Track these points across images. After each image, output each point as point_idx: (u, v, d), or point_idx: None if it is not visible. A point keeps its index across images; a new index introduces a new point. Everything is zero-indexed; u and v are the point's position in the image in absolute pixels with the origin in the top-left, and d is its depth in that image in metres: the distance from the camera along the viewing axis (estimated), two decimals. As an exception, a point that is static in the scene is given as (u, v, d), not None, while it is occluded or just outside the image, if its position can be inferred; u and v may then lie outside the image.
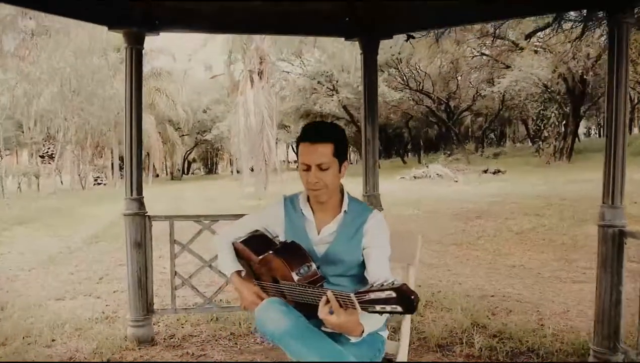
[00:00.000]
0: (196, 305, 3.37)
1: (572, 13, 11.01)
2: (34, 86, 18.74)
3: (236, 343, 3.22)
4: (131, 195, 3.12)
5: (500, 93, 22.33)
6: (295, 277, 1.61)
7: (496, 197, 12.58)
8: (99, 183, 26.82)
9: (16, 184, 20.80)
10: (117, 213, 12.81)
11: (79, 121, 21.11)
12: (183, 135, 33.14)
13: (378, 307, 1.25)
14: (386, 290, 1.23)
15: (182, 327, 3.46)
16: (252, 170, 18.27)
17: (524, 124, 34.73)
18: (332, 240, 1.76)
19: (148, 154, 31.04)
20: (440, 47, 11.78)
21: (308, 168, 1.70)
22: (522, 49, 19.54)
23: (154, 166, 29.96)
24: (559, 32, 11.53)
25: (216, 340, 3.25)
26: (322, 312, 1.42)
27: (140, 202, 3.14)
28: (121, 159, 28.74)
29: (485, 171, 20.15)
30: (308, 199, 1.83)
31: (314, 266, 1.65)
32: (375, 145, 3.41)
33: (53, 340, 3.22)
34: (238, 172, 32.92)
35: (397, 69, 24.34)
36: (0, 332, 3.34)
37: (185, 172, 42.12)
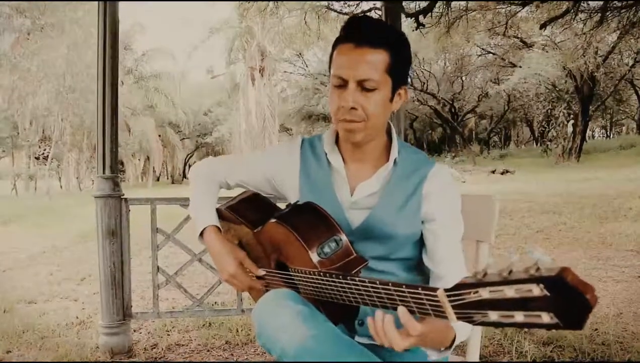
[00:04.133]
0: (184, 308, 2.78)
1: (589, 2, 10.58)
2: (29, 84, 18.25)
3: (232, 354, 2.64)
4: (103, 172, 2.56)
5: (508, 92, 21.82)
6: (316, 259, 1.01)
7: (509, 195, 12.04)
8: (97, 186, 26.20)
9: (10, 186, 20.27)
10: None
11: (75, 120, 20.57)
12: (183, 138, 32.58)
13: (497, 315, 0.64)
14: (522, 281, 0.60)
15: (168, 335, 2.88)
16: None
17: (528, 125, 34.27)
18: (373, 204, 1.15)
19: (148, 158, 30.53)
20: (449, 40, 11.20)
21: (343, 84, 1.07)
22: (530, 46, 19.06)
23: (153, 169, 29.40)
24: (577, 22, 11.03)
25: (208, 350, 2.67)
26: (405, 314, 0.82)
27: (114, 182, 2.57)
28: (121, 162, 28.28)
29: (493, 171, 19.63)
30: (337, 141, 1.22)
31: (344, 240, 1.04)
32: (400, 117, 2.85)
33: (8, 352, 2.64)
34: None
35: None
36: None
37: (186, 176, 41.59)
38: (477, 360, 1.30)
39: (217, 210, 1.30)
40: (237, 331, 2.85)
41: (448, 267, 1.13)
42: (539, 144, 30.99)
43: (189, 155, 38.20)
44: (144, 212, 2.68)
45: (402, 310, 0.82)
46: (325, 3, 9.93)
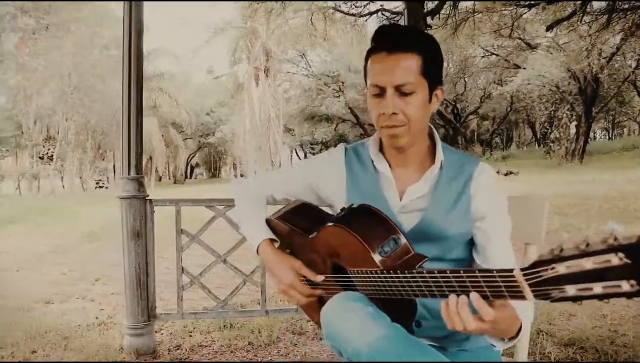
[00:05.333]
0: (207, 310, 2.78)
1: (595, 4, 10.60)
2: (34, 84, 18.27)
3: (256, 355, 2.64)
4: (129, 173, 2.56)
5: (511, 93, 21.83)
6: (377, 259, 1.02)
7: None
8: (101, 187, 26.24)
9: (15, 186, 20.28)
10: (116, 213, 12.42)
11: (80, 120, 20.59)
12: (186, 138, 32.57)
13: (575, 290, 0.66)
14: (600, 252, 0.61)
15: (190, 336, 2.88)
16: (255, 173, 17.75)
17: (530, 127, 34.26)
18: (423, 206, 1.17)
19: (150, 158, 30.51)
20: (455, 42, 11.22)
21: (381, 92, 1.10)
22: (534, 47, 19.06)
23: (156, 169, 29.40)
24: (582, 24, 11.04)
25: (232, 352, 2.68)
26: (479, 299, 0.84)
27: (139, 183, 2.57)
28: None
29: (497, 172, 19.61)
30: (381, 147, 1.24)
31: (403, 239, 1.06)
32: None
33: (33, 352, 2.65)
34: (242, 175, 32.43)
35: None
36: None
37: (188, 176, 41.58)
38: (526, 359, 1.30)
39: (267, 221, 1.31)
40: (259, 332, 2.85)
41: (499, 263, 1.15)
42: (541, 145, 31.01)
43: (191, 156, 38.19)
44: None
45: (475, 295, 0.84)
46: (332, 4, 9.93)
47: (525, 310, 1.05)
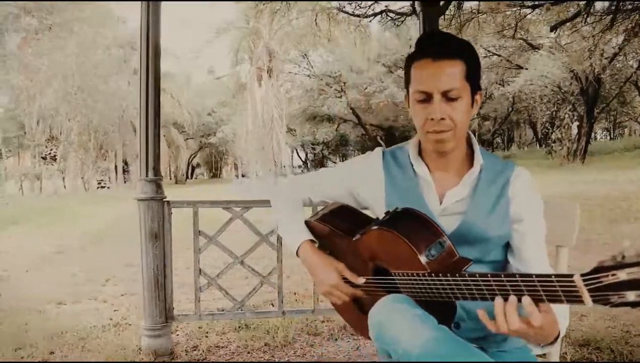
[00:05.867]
0: (225, 311, 2.79)
1: (598, 4, 10.61)
2: (37, 84, 18.28)
3: (273, 356, 2.65)
4: (147, 175, 2.57)
5: (513, 93, 21.85)
6: (425, 262, 1.04)
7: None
8: (103, 187, 26.24)
9: (17, 186, 20.29)
10: (120, 213, 12.41)
11: (82, 120, 20.61)
12: (187, 138, 32.59)
13: (634, 295, 0.69)
14: None
15: (206, 337, 2.90)
16: (256, 174, 17.74)
17: (531, 127, 34.27)
18: (462, 209, 1.19)
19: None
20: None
21: (427, 98, 1.12)
22: (536, 48, 19.08)
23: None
24: (585, 24, 11.05)
25: (249, 353, 2.69)
26: (531, 304, 0.86)
27: (157, 184, 2.59)
28: (125, 162, 28.29)
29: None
30: (419, 151, 1.26)
31: (448, 242, 1.07)
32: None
33: (52, 353, 2.66)
34: (243, 176, 32.43)
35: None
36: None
37: (189, 176, 41.59)
38: (558, 360, 1.32)
39: (306, 222, 1.32)
40: (276, 332, 2.86)
41: (534, 266, 1.17)
42: (542, 146, 31.03)
43: (193, 156, 38.20)
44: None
45: (527, 300, 0.86)
46: (337, 4, 9.95)
47: (564, 316, 1.07)
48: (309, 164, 43.12)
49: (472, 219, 1.17)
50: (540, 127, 31.75)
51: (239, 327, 3.01)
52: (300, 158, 43.87)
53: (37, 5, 16.72)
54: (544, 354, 1.36)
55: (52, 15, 17.08)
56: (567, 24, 11.25)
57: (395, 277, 1.10)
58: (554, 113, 23.94)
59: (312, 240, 1.30)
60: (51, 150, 22.25)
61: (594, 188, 12.54)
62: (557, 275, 0.80)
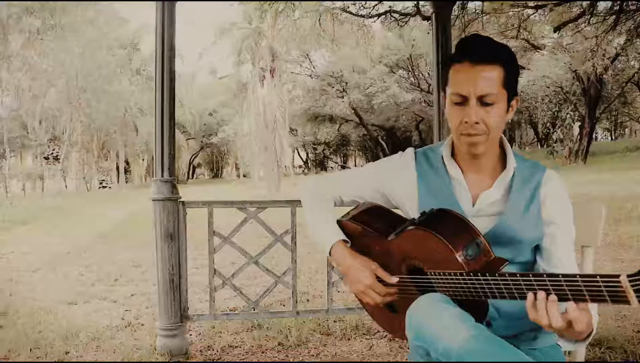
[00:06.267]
0: (240, 311, 2.80)
1: (600, 5, 10.61)
2: (40, 84, 18.30)
3: (287, 356, 2.66)
4: (162, 176, 2.58)
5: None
6: (462, 261, 1.05)
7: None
8: (104, 187, 26.28)
9: (20, 186, 20.32)
10: (124, 213, 12.43)
11: (85, 120, 20.64)
12: (189, 138, 32.63)
13: None
14: None
15: (219, 336, 2.90)
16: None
17: (533, 127, 34.27)
18: (495, 211, 1.21)
19: (153, 159, 30.50)
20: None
21: (463, 101, 1.14)
22: (537, 48, 19.10)
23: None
24: (588, 25, 11.07)
25: (263, 352, 2.70)
26: (575, 308, 0.90)
27: (172, 185, 2.60)
28: (126, 161, 28.31)
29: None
30: (452, 152, 1.27)
31: (484, 242, 1.09)
32: (449, 120, 2.88)
33: (67, 353, 2.67)
34: (245, 176, 32.46)
35: (409, 70, 23.90)
36: (2, 342, 2.80)
37: (190, 177, 41.62)
38: (583, 360, 1.33)
39: (338, 222, 1.34)
40: (289, 332, 2.87)
41: (564, 268, 1.19)
42: (543, 146, 31.05)
43: (194, 156, 38.24)
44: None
45: (572, 305, 0.90)
46: (341, 5, 9.97)
47: (594, 312, 1.09)
48: (309, 164, 43.13)
49: (508, 221, 1.19)
50: (542, 127, 31.75)
51: (252, 327, 3.02)
52: (301, 158, 43.87)
53: (41, 6, 16.74)
54: (567, 352, 1.38)
55: (55, 16, 17.09)
56: (570, 24, 11.27)
57: (430, 277, 1.12)
58: (555, 113, 23.95)
59: (344, 240, 1.31)
60: (53, 150, 22.28)
61: (597, 189, 12.55)
62: (602, 276, 0.82)
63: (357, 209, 1.37)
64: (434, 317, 1.02)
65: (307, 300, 3.76)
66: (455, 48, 1.20)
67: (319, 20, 10.48)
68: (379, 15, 9.56)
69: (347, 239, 1.32)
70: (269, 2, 7.52)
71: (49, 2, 16.94)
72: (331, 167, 44.18)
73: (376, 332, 3.01)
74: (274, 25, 15.10)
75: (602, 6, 10.86)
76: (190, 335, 2.97)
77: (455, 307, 1.04)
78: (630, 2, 9.60)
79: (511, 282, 0.95)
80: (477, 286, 1.01)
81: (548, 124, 28.79)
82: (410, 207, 1.28)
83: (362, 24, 11.49)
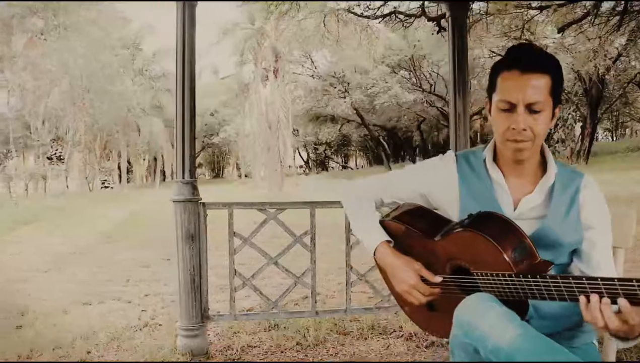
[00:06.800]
0: (260, 311, 2.83)
1: (604, 5, 10.63)
2: (43, 84, 18.32)
3: (306, 355, 2.69)
4: (183, 177, 2.61)
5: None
6: (511, 263, 1.10)
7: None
8: (106, 187, 26.30)
9: (23, 186, 20.34)
10: (129, 213, 12.44)
11: (89, 120, 20.67)
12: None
13: None
14: None
15: (237, 336, 2.93)
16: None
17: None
18: (536, 215, 1.25)
19: (155, 159, 30.57)
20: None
21: (511, 108, 1.18)
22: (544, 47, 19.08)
23: (162, 170, 29.43)
24: (591, 25, 11.10)
25: (282, 352, 2.72)
26: (627, 305, 0.94)
27: (193, 186, 2.62)
28: (128, 161, 28.32)
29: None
30: (494, 157, 1.30)
31: (530, 245, 1.13)
32: (466, 122, 2.91)
33: (88, 352, 2.70)
34: (246, 176, 32.49)
35: (411, 70, 23.92)
36: (24, 342, 2.83)
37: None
38: (614, 360, 1.36)
39: (381, 222, 1.37)
40: (307, 331, 2.90)
41: (602, 271, 1.23)
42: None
43: (195, 156, 38.20)
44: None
45: (624, 301, 0.94)
46: (345, 5, 9.98)
47: None
48: (310, 164, 43.15)
49: (550, 224, 1.23)
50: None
51: (269, 327, 3.04)
52: (302, 158, 43.87)
53: (44, 6, 16.76)
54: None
55: (58, 16, 17.11)
56: (573, 25, 11.29)
57: (477, 277, 1.15)
58: (557, 113, 23.99)
59: (388, 241, 1.35)
60: (56, 150, 22.30)
61: (600, 189, 12.57)
62: (637, 280, 0.88)
63: (399, 210, 1.40)
64: (483, 315, 1.05)
65: (322, 301, 3.79)
66: (505, 56, 1.23)
67: (324, 21, 10.50)
68: (383, 16, 9.57)
69: (390, 239, 1.35)
70: (276, 2, 7.55)
71: (51, 2, 16.95)
72: (332, 167, 44.21)
73: (392, 332, 3.03)
74: (276, 26, 15.14)
75: (605, 7, 10.89)
76: (209, 335, 3.00)
77: (502, 307, 1.07)
78: (634, 3, 9.63)
79: (562, 285, 0.99)
80: (526, 287, 1.05)
81: (549, 124, 28.69)
82: (451, 209, 1.31)
83: (366, 24, 11.50)
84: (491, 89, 1.25)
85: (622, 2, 9.34)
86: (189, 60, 2.63)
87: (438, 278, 1.25)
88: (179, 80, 2.63)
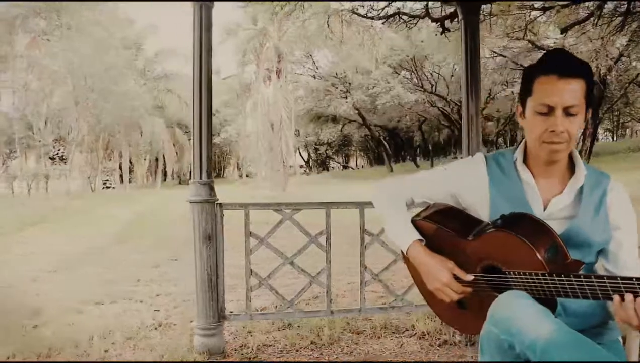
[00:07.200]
0: (276, 310, 2.86)
1: (610, 4, 10.66)
2: (46, 84, 18.36)
3: (321, 354, 2.72)
4: (200, 178, 2.64)
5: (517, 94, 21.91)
6: (545, 262, 1.14)
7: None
8: (108, 187, 26.35)
9: (25, 187, 20.38)
10: (131, 214, 12.46)
11: (91, 121, 20.72)
12: (191, 138, 32.62)
13: None
14: None
15: (251, 335, 2.96)
16: (257, 175, 17.79)
17: (535, 127, 34.32)
18: (566, 215, 1.29)
19: (157, 159, 30.58)
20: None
21: (549, 111, 1.23)
22: (541, 49, 19.14)
23: (164, 170, 29.44)
24: (593, 26, 11.13)
25: (297, 351, 2.75)
26: None
27: (210, 187, 2.66)
28: (130, 162, 28.33)
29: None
30: (523, 158, 1.35)
31: (561, 245, 1.18)
32: (478, 124, 2.94)
33: (106, 351, 2.73)
34: (247, 176, 32.52)
35: (413, 70, 23.96)
36: (41, 341, 2.86)
37: (191, 177, 41.59)
38: (637, 357, 1.39)
39: (412, 222, 1.40)
40: (320, 331, 2.93)
41: (629, 270, 1.28)
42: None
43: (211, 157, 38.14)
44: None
45: None
46: (349, 6, 10.01)
47: None
48: (311, 164, 43.19)
49: (579, 224, 1.27)
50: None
51: (282, 326, 3.07)
52: (303, 158, 43.93)
53: (47, 6, 16.80)
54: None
55: (61, 16, 17.15)
56: (575, 26, 11.31)
57: (508, 276, 1.19)
58: (558, 114, 23.99)
59: (420, 240, 1.38)
60: (59, 150, 22.34)
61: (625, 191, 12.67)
62: None
63: (430, 210, 1.44)
64: (520, 312, 1.09)
65: (333, 301, 3.81)
66: (541, 61, 1.28)
67: (327, 21, 10.53)
68: (387, 17, 9.58)
69: (422, 238, 1.39)
70: (282, 3, 7.58)
71: (54, 3, 17.00)
72: (332, 168, 44.24)
73: (405, 331, 3.07)
74: (279, 27, 15.19)
75: (607, 7, 10.92)
76: (223, 334, 3.03)
77: (537, 304, 1.12)
78: (637, 3, 9.66)
79: (596, 284, 1.03)
80: (559, 286, 1.09)
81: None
82: (481, 209, 1.35)
83: (369, 25, 11.54)
84: (526, 93, 1.29)
85: (625, 3, 9.37)
86: (206, 62, 2.66)
87: (470, 277, 1.29)
88: (195, 82, 2.66)
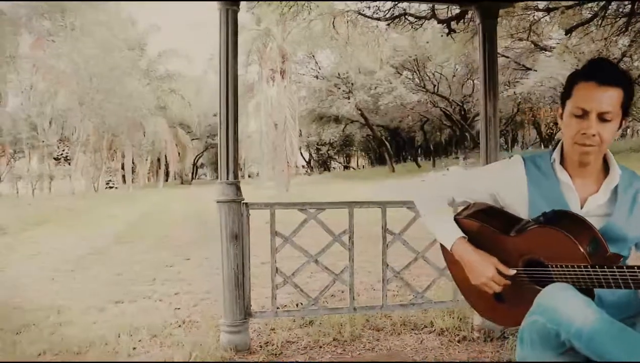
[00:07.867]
0: (301, 307, 2.92)
1: (614, 5, 10.72)
2: (50, 85, 18.43)
3: (344, 350, 2.78)
4: (227, 178, 2.70)
5: (523, 95, 22.00)
6: (587, 256, 1.22)
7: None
8: (111, 187, 26.43)
9: (29, 187, 20.44)
10: (136, 214, 12.51)
11: (95, 121, 20.79)
12: (193, 138, 32.75)
13: None
14: None
15: (274, 332, 3.02)
16: (257, 174, 17.86)
17: (536, 128, 34.43)
18: (602, 212, 1.38)
19: (159, 159, 30.65)
20: (473, 44, 11.44)
21: (584, 115, 1.31)
22: (543, 49, 19.22)
23: (166, 170, 29.50)
24: (596, 27, 11.20)
25: (320, 347, 2.81)
26: None
27: (237, 187, 2.72)
28: (133, 162, 28.39)
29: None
30: (560, 160, 1.42)
31: (601, 239, 1.26)
32: (496, 124, 3.00)
33: (134, 348, 2.79)
34: (249, 176, 32.60)
35: (415, 71, 24.02)
36: (68, 338, 2.92)
37: (193, 177, 41.75)
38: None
39: (455, 220, 1.47)
40: (342, 328, 2.99)
41: None
42: (546, 146, 31.22)
43: (198, 156, 38.33)
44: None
45: None
46: (355, 7, 10.08)
47: None
48: (312, 164, 43.24)
49: (616, 221, 1.35)
50: (545, 127, 31.94)
51: (304, 324, 3.13)
52: (304, 158, 43.99)
53: (50, 7, 16.88)
54: None
55: (65, 17, 17.23)
56: (579, 27, 11.38)
57: (551, 269, 1.26)
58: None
59: (464, 237, 1.46)
60: (63, 150, 22.41)
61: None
62: None
63: (471, 209, 1.51)
64: (566, 301, 1.18)
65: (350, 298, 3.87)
66: (583, 67, 1.36)
67: (333, 22, 10.60)
68: (394, 18, 9.65)
69: (465, 235, 1.46)
70: (290, 3, 7.64)
71: (58, 2, 17.06)
72: (334, 168, 44.30)
73: (423, 327, 3.13)
74: (284, 27, 15.26)
75: (611, 8, 10.98)
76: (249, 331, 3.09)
77: (580, 294, 1.19)
78: (640, 4, 9.71)
79: (629, 274, 1.13)
80: (601, 277, 1.17)
81: (552, 124, 28.97)
82: (520, 207, 1.43)
83: (374, 26, 11.60)
84: (566, 95, 1.38)
85: (629, 4, 9.45)
86: (232, 65, 2.73)
87: (512, 271, 1.37)
88: (222, 85, 2.72)
